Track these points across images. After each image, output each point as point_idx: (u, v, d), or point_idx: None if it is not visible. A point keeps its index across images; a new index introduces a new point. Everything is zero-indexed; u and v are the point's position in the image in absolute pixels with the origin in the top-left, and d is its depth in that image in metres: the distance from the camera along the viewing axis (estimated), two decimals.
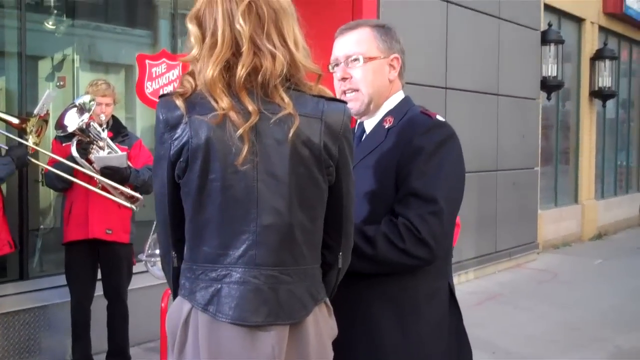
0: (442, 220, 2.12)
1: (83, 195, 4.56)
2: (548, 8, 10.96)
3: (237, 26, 1.72)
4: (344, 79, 2.31)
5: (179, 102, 1.73)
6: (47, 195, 5.94)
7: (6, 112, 4.80)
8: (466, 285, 8.51)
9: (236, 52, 1.73)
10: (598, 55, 12.54)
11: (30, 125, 4.35)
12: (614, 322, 6.96)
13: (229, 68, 1.73)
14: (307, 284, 1.80)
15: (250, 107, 1.69)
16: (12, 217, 4.95)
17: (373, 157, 2.26)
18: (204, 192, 1.73)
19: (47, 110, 4.57)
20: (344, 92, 2.32)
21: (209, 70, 1.70)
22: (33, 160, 4.49)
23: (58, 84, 7.03)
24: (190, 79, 1.76)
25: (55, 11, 6.56)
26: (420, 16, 7.70)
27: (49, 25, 6.44)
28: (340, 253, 1.91)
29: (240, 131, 1.68)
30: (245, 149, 1.68)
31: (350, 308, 2.18)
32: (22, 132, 4.48)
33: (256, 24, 1.73)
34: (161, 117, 1.76)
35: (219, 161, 1.71)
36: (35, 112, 4.46)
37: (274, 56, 1.72)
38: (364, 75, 2.28)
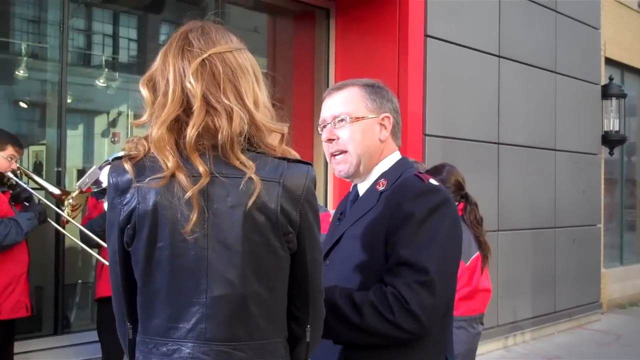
0: (434, 292, 2.00)
1: None
2: (609, 62, 10.75)
3: (188, 84, 1.65)
4: (330, 140, 2.24)
5: (128, 166, 1.66)
6: (83, 250, 6.00)
7: (49, 182, 4.91)
8: (522, 346, 8.23)
9: (188, 112, 1.65)
10: None
11: (69, 198, 4.42)
12: None
13: (180, 129, 1.65)
14: None
15: (201, 168, 1.61)
16: (49, 273, 5.06)
17: (363, 223, 2.16)
18: (152, 261, 1.65)
19: (90, 187, 4.64)
20: (333, 155, 2.25)
21: (156, 130, 1.63)
22: (67, 234, 4.56)
23: (113, 139, 7.24)
24: (145, 142, 1.69)
25: (111, 68, 6.79)
26: (471, 71, 7.64)
27: (102, 81, 6.65)
28: (309, 325, 1.78)
29: (188, 194, 1.59)
30: (195, 215, 1.59)
31: None
32: (59, 203, 4.57)
33: (210, 82, 1.66)
34: (111, 182, 1.69)
35: (167, 228, 1.62)
36: (78, 184, 4.54)
37: (230, 114, 1.64)
38: (351, 136, 2.20)
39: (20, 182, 4.48)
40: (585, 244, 9.61)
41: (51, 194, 4.66)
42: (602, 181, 10.39)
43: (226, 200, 1.63)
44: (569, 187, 9.23)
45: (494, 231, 7.88)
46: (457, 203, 3.88)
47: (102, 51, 6.91)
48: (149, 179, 1.63)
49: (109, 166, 4.66)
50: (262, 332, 1.67)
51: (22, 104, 6.35)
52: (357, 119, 2.22)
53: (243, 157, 1.64)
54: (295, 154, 1.75)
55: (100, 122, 7.17)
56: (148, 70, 1.74)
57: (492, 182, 7.92)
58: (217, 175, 1.63)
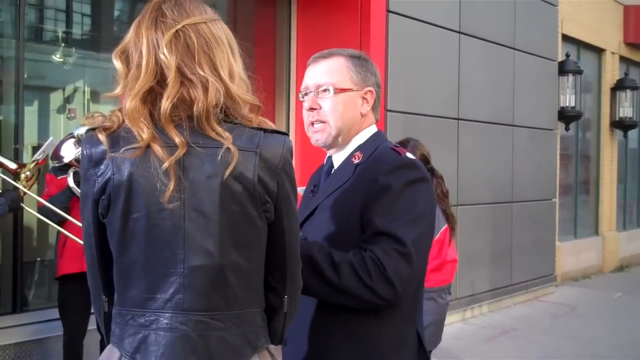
0: (411, 263, 2.01)
1: (78, 228, 4.54)
2: (566, 38, 10.88)
3: (161, 56, 1.64)
4: (312, 109, 2.22)
5: (102, 137, 1.64)
6: (42, 228, 5.93)
7: (6, 157, 4.81)
8: (480, 319, 8.38)
9: (162, 83, 1.64)
10: (619, 86, 12.42)
11: (25, 171, 4.33)
12: (631, 358, 6.78)
13: (154, 101, 1.64)
14: (243, 330, 1.68)
15: (177, 139, 1.60)
16: (7, 250, 4.98)
17: (338, 195, 2.16)
18: (127, 232, 1.64)
19: (44, 158, 4.56)
20: (312, 123, 2.23)
21: (129, 101, 1.62)
22: (25, 207, 4.46)
23: (69, 115, 7.10)
24: (119, 114, 1.68)
25: (68, 43, 6.65)
26: (432, 47, 7.68)
27: (58, 57, 6.52)
28: (286, 296, 1.79)
29: (165, 165, 1.58)
30: (172, 185, 1.59)
31: (309, 350, 2.12)
32: (16, 177, 4.49)
33: (184, 54, 1.65)
34: (85, 153, 1.68)
35: (143, 198, 1.62)
36: (34, 157, 4.44)
37: (205, 86, 1.63)
38: (333, 107, 2.19)
39: None
40: (541, 218, 9.80)
41: (7, 168, 4.56)
42: (558, 157, 10.57)
43: (203, 170, 1.63)
44: (526, 162, 9.38)
45: (454, 205, 7.94)
46: None
47: (57, 26, 6.76)
48: (123, 149, 1.62)
49: (70, 140, 4.60)
50: (239, 302, 1.68)
51: None
52: (341, 90, 2.20)
53: (219, 128, 1.63)
54: (271, 125, 1.75)
55: (56, 99, 7.03)
56: (121, 42, 1.72)
57: (452, 158, 7.99)
58: (193, 145, 1.62)
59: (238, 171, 1.63)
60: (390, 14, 7.05)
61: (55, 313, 4.91)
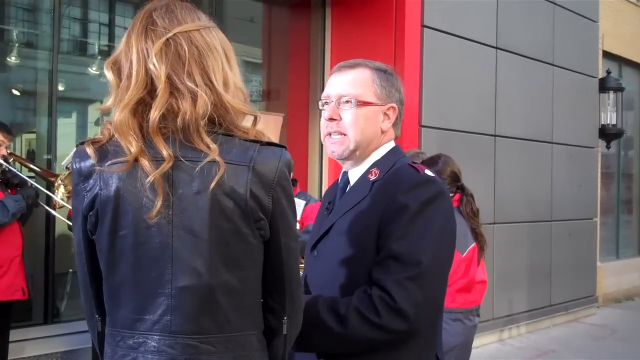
0: (423, 287, 1.92)
1: None
2: (607, 55, 10.70)
3: (151, 66, 1.56)
4: (331, 119, 2.12)
5: (90, 150, 1.58)
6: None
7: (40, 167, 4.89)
8: (517, 339, 8.20)
9: (153, 94, 1.56)
10: None
11: (59, 179, 4.33)
12: None
13: (145, 112, 1.56)
14: (235, 354, 1.59)
15: (165, 152, 1.52)
16: (39, 261, 5.00)
17: (354, 214, 2.07)
18: (115, 249, 1.56)
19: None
20: (330, 134, 2.14)
21: (119, 113, 1.54)
22: (42, 204, 4.55)
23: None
24: (109, 126, 1.60)
25: (103, 55, 6.73)
26: (468, 62, 7.58)
27: (94, 69, 6.59)
28: (286, 317, 1.69)
29: (150, 178, 1.51)
30: (159, 201, 1.51)
31: None
32: (49, 183, 4.55)
33: (175, 63, 1.57)
34: (75, 167, 1.61)
35: (130, 214, 1.54)
36: (63, 164, 4.49)
37: (194, 97, 1.55)
38: (354, 120, 2.09)
39: (11, 168, 4.46)
40: (581, 238, 9.58)
41: (41, 176, 4.64)
42: (599, 175, 10.35)
43: (192, 185, 1.55)
44: (565, 180, 9.19)
45: (491, 224, 7.83)
46: (453, 194, 3.82)
47: (95, 39, 6.85)
48: (110, 162, 1.55)
49: None
50: (232, 324, 1.59)
51: (15, 92, 6.29)
52: (364, 103, 2.11)
53: (208, 140, 1.55)
54: (269, 137, 1.65)
55: (91, 111, 7.11)
56: (113, 52, 1.66)
57: (488, 175, 7.87)
58: (182, 159, 1.55)
59: (229, 186, 1.55)
60: (425, 28, 6.99)
61: (85, 325, 4.88)
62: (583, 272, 9.66)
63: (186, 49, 1.59)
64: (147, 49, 1.58)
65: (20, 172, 4.66)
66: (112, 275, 1.59)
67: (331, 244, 2.11)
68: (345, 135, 2.12)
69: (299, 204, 5.00)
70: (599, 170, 10.32)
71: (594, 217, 10.05)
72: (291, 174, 1.69)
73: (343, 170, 2.25)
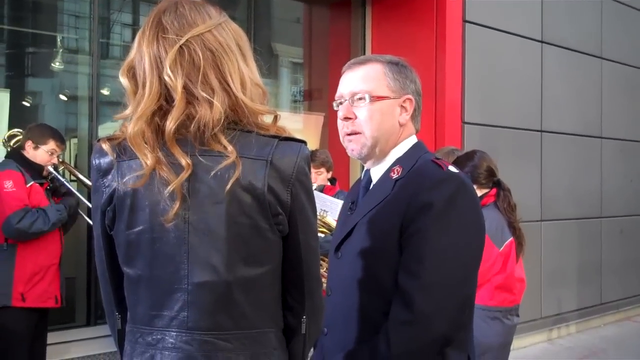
0: (423, 330, 1.86)
1: None
2: None
3: (166, 77, 1.54)
4: (346, 118, 2.08)
5: (106, 147, 1.58)
6: None
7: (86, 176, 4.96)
8: (567, 339, 8.04)
9: (169, 100, 1.55)
10: None
11: None
12: None
13: (161, 118, 1.55)
14: (253, 351, 1.58)
15: (183, 161, 1.52)
16: (81, 264, 5.07)
17: (376, 214, 2.02)
18: (132, 245, 1.57)
19: None
20: (347, 134, 2.11)
21: (133, 125, 1.53)
22: (82, 213, 4.59)
23: None
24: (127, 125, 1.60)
25: None
26: (512, 57, 7.45)
27: None
28: (305, 317, 1.68)
29: (169, 188, 1.51)
30: (177, 204, 1.52)
31: None
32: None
33: (190, 71, 1.55)
34: (94, 163, 1.62)
35: (147, 210, 1.54)
36: None
37: (211, 104, 1.53)
38: (369, 116, 2.05)
39: (58, 177, 4.54)
40: (633, 234, 9.33)
41: (85, 185, 4.71)
42: None
43: (209, 185, 1.54)
44: (616, 175, 8.97)
45: (538, 221, 7.70)
46: (489, 189, 3.77)
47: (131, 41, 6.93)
48: (128, 177, 1.55)
49: None
50: (248, 321, 1.58)
51: (62, 97, 6.40)
52: (378, 98, 2.06)
53: (225, 141, 1.54)
54: (289, 132, 1.63)
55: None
56: (126, 57, 1.64)
57: (535, 171, 7.73)
58: (200, 159, 1.54)
59: (247, 181, 1.54)
60: (467, 23, 6.89)
61: None
62: (635, 270, 9.41)
63: (200, 54, 1.56)
64: (160, 58, 1.56)
65: (69, 180, 4.75)
66: (130, 271, 1.60)
67: (354, 245, 2.07)
68: (361, 133, 2.08)
69: (338, 203, 4.98)
70: None
71: None
72: (310, 169, 1.66)
73: (365, 168, 2.21)
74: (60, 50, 6.19)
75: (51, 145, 4.44)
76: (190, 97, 1.55)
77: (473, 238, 1.98)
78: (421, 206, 1.91)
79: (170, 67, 1.54)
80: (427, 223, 1.90)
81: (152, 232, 1.55)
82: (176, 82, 1.54)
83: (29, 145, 4.41)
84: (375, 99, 2.06)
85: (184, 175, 1.52)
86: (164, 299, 1.56)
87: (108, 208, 1.59)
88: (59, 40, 6.23)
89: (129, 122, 1.57)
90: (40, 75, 6.41)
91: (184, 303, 1.55)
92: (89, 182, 4.72)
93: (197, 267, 1.54)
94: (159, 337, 1.56)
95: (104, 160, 1.60)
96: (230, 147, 1.53)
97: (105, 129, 5.54)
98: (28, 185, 4.27)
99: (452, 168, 2.03)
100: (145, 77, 1.57)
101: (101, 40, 5.93)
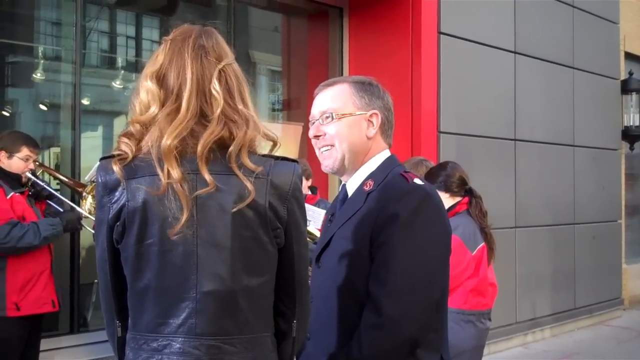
0: (414, 293, 2.03)
1: None
2: (629, 56, 10.63)
3: (214, 92, 1.70)
4: (316, 136, 2.24)
5: (116, 167, 1.68)
6: None
7: (65, 175, 4.93)
8: (541, 343, 8.20)
9: (204, 119, 1.70)
10: None
11: (84, 191, 4.35)
12: None
13: (191, 135, 1.68)
14: (254, 354, 1.71)
15: (208, 178, 1.65)
16: (65, 271, 5.08)
17: (351, 224, 2.16)
18: (142, 257, 1.67)
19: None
20: (320, 150, 2.26)
21: (167, 139, 1.64)
22: (86, 226, 4.51)
23: None
24: (129, 142, 1.70)
25: (126, 68, 6.85)
26: (486, 67, 7.62)
27: (118, 83, 6.72)
28: (295, 321, 1.82)
29: (183, 203, 1.63)
30: (184, 216, 1.63)
31: None
32: (77, 194, 4.57)
33: (226, 93, 1.72)
34: (100, 180, 1.72)
35: (157, 224, 1.65)
36: (86, 178, 4.44)
37: (247, 124, 1.71)
38: (337, 131, 2.20)
39: (38, 181, 4.44)
40: (605, 240, 9.54)
41: (69, 186, 4.66)
42: (623, 177, 10.29)
43: (217, 197, 1.67)
44: (588, 183, 9.17)
45: (512, 228, 7.85)
46: (462, 197, 3.91)
47: (119, 52, 6.97)
48: (146, 187, 1.66)
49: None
50: (251, 326, 1.71)
51: (42, 106, 6.42)
52: (344, 115, 2.20)
53: (248, 161, 1.69)
54: (280, 154, 1.80)
55: (119, 124, 7.23)
56: (153, 62, 1.75)
57: (509, 179, 7.89)
58: (217, 176, 1.67)
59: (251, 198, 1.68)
60: (441, 35, 7.04)
61: None
62: (608, 275, 9.62)
63: (233, 79, 1.75)
64: (203, 76, 1.72)
65: (49, 184, 4.66)
66: (137, 282, 1.70)
67: (332, 254, 2.21)
68: (332, 146, 2.22)
69: (320, 212, 5.08)
70: (623, 172, 10.27)
71: (618, 219, 10.00)
72: (303, 184, 1.82)
73: (342, 183, 2.35)
74: (42, 60, 6.24)
75: (25, 152, 4.33)
76: (225, 119, 1.70)
77: (438, 245, 2.13)
78: (388, 217, 2.07)
79: (218, 82, 1.71)
80: (394, 233, 2.05)
81: (161, 244, 1.66)
82: (219, 98, 1.70)
83: (2, 155, 4.30)
84: (342, 115, 2.21)
85: (208, 190, 1.65)
86: (171, 308, 1.67)
87: (117, 223, 1.69)
88: (40, 49, 6.27)
89: (155, 126, 1.68)
90: (20, 85, 6.44)
91: (191, 311, 1.66)
92: (68, 181, 4.68)
93: (205, 277, 1.67)
94: (164, 343, 1.67)
95: (111, 178, 1.70)
96: (259, 167, 1.69)
97: (88, 138, 5.59)
98: (8, 197, 4.18)
99: (417, 180, 2.17)
100: (182, 90, 1.70)
101: (83, 52, 5.98)
